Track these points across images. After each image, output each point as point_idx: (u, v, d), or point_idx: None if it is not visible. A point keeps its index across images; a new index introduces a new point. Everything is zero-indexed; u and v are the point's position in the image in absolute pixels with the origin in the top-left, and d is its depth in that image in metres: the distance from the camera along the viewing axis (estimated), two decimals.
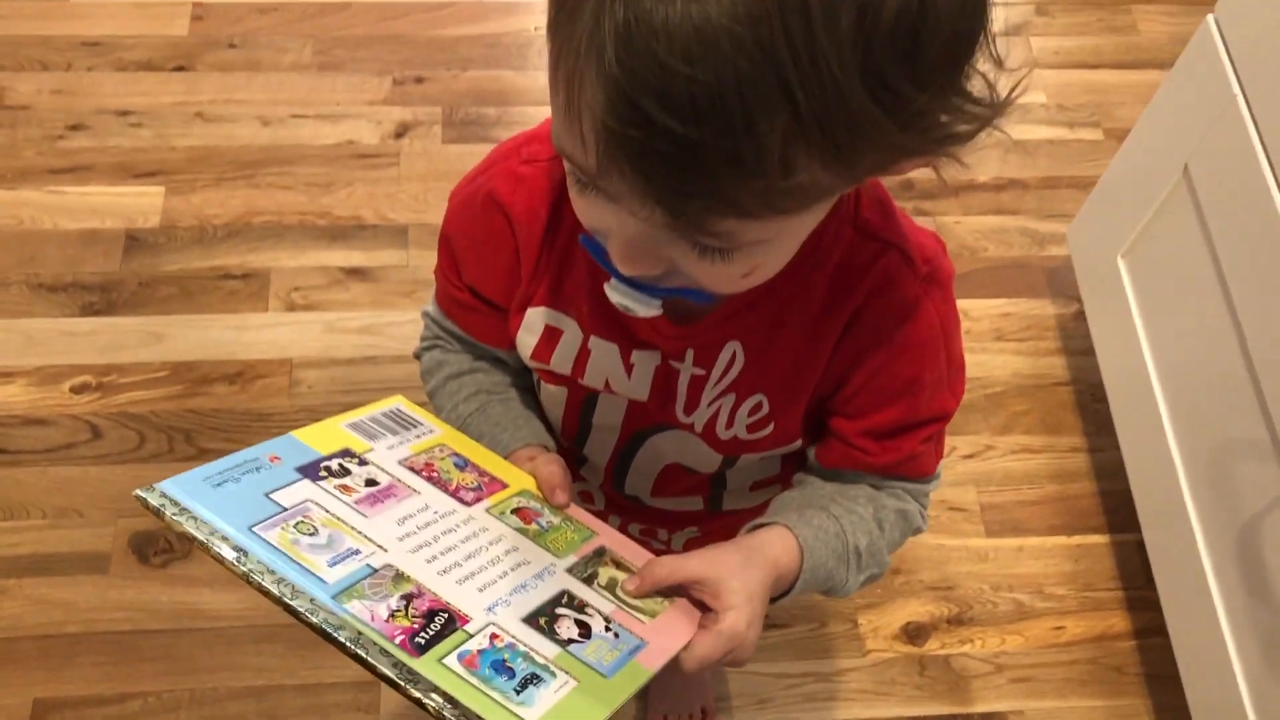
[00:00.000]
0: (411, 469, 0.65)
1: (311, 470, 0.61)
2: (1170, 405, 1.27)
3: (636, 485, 0.79)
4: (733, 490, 0.79)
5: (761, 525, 0.67)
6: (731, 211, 0.48)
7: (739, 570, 0.61)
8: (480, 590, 0.57)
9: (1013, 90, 0.50)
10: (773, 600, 0.64)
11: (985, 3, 0.48)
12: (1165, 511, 1.27)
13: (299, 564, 0.54)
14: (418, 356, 0.80)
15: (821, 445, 0.72)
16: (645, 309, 0.57)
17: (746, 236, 0.50)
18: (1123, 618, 1.41)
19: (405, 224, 1.64)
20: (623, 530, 0.84)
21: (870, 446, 0.69)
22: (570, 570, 0.62)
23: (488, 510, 0.64)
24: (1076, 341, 1.61)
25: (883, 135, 0.46)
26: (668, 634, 0.60)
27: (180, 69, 1.77)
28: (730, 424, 0.69)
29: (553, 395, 0.75)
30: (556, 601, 0.59)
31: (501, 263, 0.69)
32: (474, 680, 0.52)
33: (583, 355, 0.69)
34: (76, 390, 1.47)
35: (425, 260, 1.61)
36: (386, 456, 0.65)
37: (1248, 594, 1.13)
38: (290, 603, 0.52)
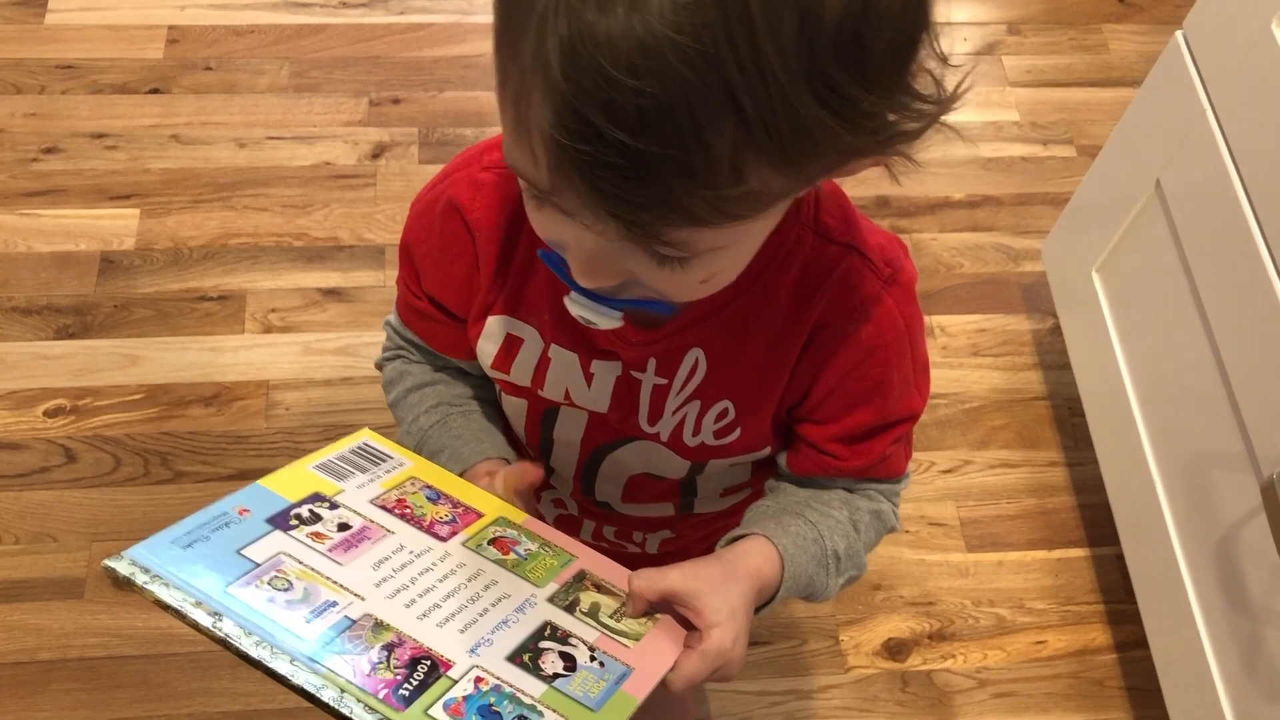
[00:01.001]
0: (384, 508, 0.63)
1: (282, 520, 0.60)
2: (1147, 418, 1.28)
3: (606, 493, 0.78)
4: (703, 497, 0.79)
5: (740, 537, 0.67)
6: (685, 220, 0.48)
7: (720, 585, 0.60)
8: (461, 631, 0.56)
9: (959, 85, 0.50)
10: (756, 610, 0.64)
11: (927, 0, 0.48)
12: (1143, 524, 1.28)
13: (276, 623, 0.53)
14: (379, 367, 0.80)
15: (792, 453, 0.71)
16: (606, 321, 0.57)
17: (702, 244, 0.51)
18: (1103, 631, 1.41)
19: (382, 245, 1.64)
20: (597, 534, 0.84)
21: (841, 451, 0.69)
22: (551, 599, 0.61)
23: (464, 544, 0.63)
24: (1053, 356, 1.62)
25: (832, 138, 0.46)
26: (653, 657, 0.60)
27: (155, 91, 1.77)
28: (697, 431, 0.69)
29: (514, 407, 0.74)
30: (539, 635, 0.58)
31: (460, 271, 0.69)
32: None
33: (543, 364, 0.69)
34: (50, 414, 1.45)
35: None
36: (357, 496, 0.64)
37: (1227, 604, 1.13)
38: (270, 665, 0.51)
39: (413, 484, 0.67)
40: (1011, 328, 1.65)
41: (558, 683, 0.56)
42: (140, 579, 0.53)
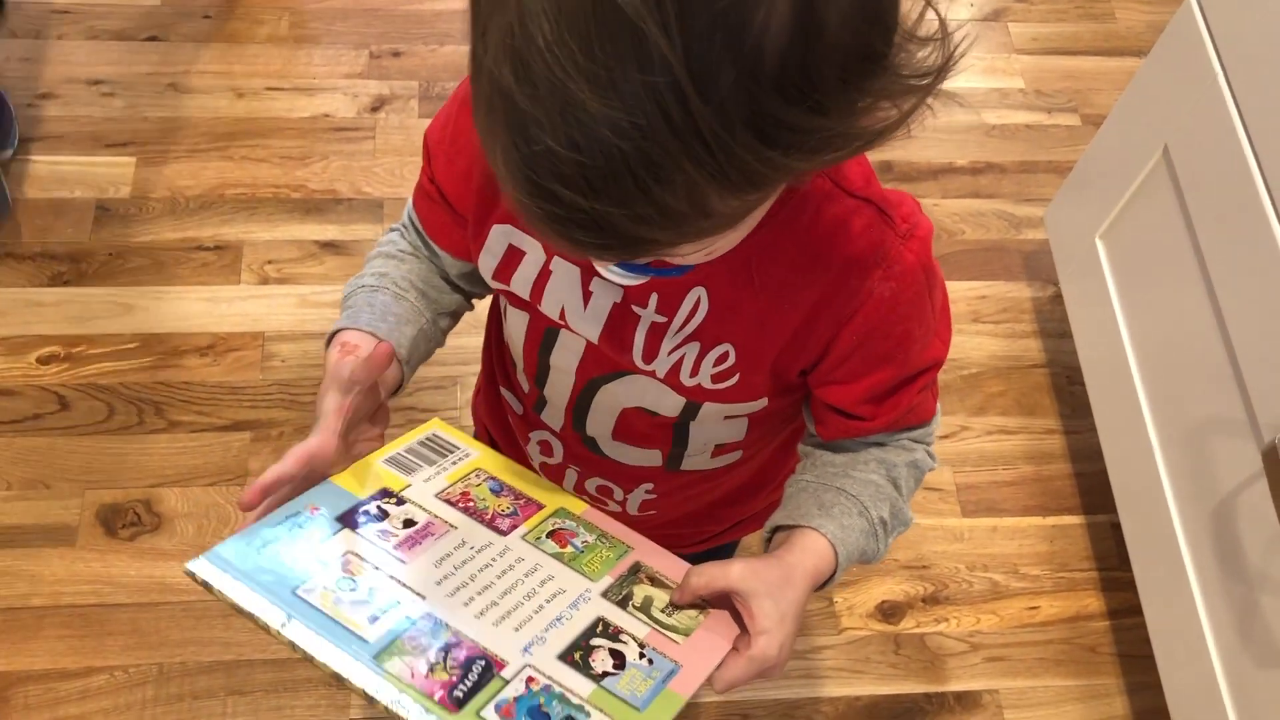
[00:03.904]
0: (448, 501, 0.66)
1: (350, 518, 0.62)
2: (1147, 385, 1.27)
3: (597, 428, 0.77)
4: (693, 452, 0.78)
5: (787, 529, 0.67)
6: (658, 249, 0.50)
7: (777, 588, 0.61)
8: (516, 629, 0.58)
9: (949, 58, 0.48)
10: (817, 589, 0.65)
11: (881, 8, 0.46)
12: (1141, 491, 1.28)
13: (341, 625, 0.55)
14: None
15: (820, 424, 0.71)
16: (630, 280, 0.60)
17: (683, 251, 0.52)
18: (1097, 598, 1.42)
19: (380, 198, 1.63)
20: (579, 487, 0.83)
21: (868, 411, 0.68)
22: (606, 594, 0.63)
23: (524, 538, 0.65)
24: (1053, 325, 1.61)
25: (784, 166, 0.46)
26: (701, 655, 0.61)
27: (153, 39, 1.75)
28: (695, 372, 0.68)
29: (515, 323, 0.74)
30: (591, 632, 0.60)
31: (461, 167, 0.70)
32: None
33: (543, 277, 0.69)
34: (44, 361, 1.44)
35: None
36: (424, 490, 0.66)
37: (1223, 572, 1.13)
38: (334, 669, 0.54)
39: (477, 475, 0.69)
40: (1012, 295, 1.65)
41: (606, 681, 0.57)
42: (217, 583, 0.56)
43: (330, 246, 1.57)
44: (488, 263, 0.70)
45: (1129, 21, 1.97)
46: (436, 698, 0.53)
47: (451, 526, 0.64)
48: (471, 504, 0.66)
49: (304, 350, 1.48)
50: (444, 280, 0.77)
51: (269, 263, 1.55)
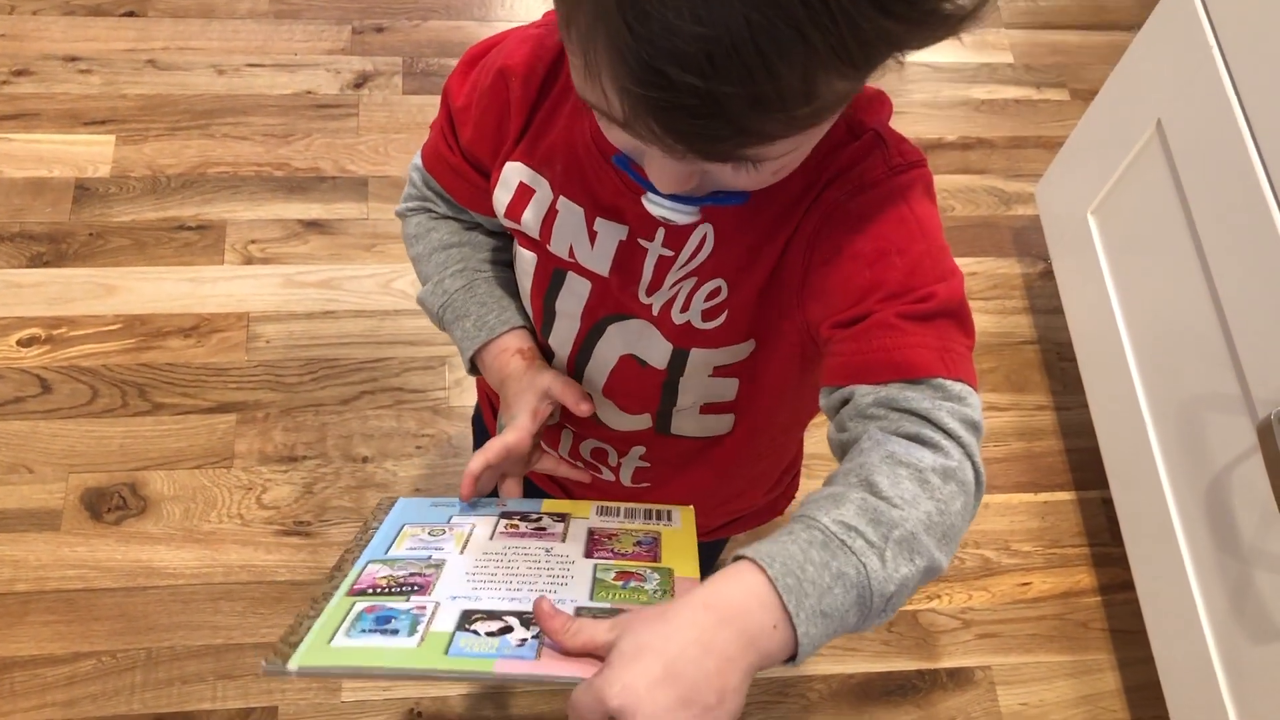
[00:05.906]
0: (591, 530, 0.67)
1: (509, 514, 0.69)
2: (1139, 361, 1.27)
3: (594, 378, 0.77)
4: (683, 409, 0.76)
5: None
6: (760, 141, 0.49)
7: (644, 624, 0.50)
8: (473, 590, 0.59)
9: None
10: (789, 661, 0.53)
11: None
12: (1134, 467, 1.27)
13: (391, 542, 0.63)
14: (401, 216, 0.81)
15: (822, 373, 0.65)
16: (684, 218, 0.59)
17: (776, 152, 0.52)
18: (1088, 574, 1.42)
19: (365, 176, 1.60)
20: (574, 452, 0.83)
21: (837, 335, 0.60)
22: (580, 611, 0.58)
23: (595, 566, 0.62)
24: (1043, 300, 1.61)
25: (897, 39, 0.48)
26: (560, 664, 0.53)
27: (131, 14, 1.71)
28: (685, 307, 0.68)
29: (524, 264, 0.74)
30: (516, 615, 0.56)
31: (491, 123, 0.70)
32: (345, 612, 0.56)
33: (550, 216, 0.69)
34: (24, 343, 1.42)
35: (385, 213, 1.57)
36: (595, 523, 0.69)
37: (1216, 546, 1.13)
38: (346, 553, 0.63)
39: (649, 537, 0.68)
40: (1002, 271, 1.64)
41: (460, 632, 0.55)
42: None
43: (314, 225, 1.55)
44: (502, 198, 0.71)
45: None
46: (359, 583, 0.58)
47: (560, 540, 0.65)
48: (604, 541, 0.66)
49: (289, 331, 1.46)
50: (490, 235, 0.79)
51: (252, 242, 1.53)
